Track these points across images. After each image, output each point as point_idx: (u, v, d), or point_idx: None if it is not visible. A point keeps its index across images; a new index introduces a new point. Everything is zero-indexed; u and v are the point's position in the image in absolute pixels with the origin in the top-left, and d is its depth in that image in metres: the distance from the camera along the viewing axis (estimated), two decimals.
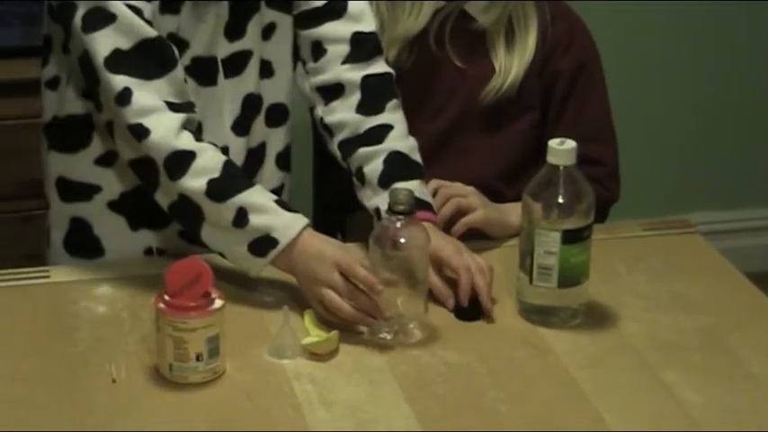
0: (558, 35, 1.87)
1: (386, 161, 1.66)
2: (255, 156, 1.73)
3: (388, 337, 1.51)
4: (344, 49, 1.72)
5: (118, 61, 1.54)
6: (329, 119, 1.73)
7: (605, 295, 1.62)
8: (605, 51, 1.93)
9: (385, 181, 1.65)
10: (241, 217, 1.54)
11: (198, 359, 1.43)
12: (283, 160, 1.78)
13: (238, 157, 1.68)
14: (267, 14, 1.70)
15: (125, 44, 1.54)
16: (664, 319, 1.58)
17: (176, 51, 1.58)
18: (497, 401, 1.40)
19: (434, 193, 1.72)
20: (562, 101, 1.88)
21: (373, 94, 1.72)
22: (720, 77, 3.07)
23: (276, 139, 1.76)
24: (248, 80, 1.70)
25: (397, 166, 1.66)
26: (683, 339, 1.54)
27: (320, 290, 1.52)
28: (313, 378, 1.44)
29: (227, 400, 1.41)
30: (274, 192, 1.73)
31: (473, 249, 1.65)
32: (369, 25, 1.74)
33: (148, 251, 1.72)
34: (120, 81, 1.54)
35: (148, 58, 1.55)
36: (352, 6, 1.73)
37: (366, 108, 1.70)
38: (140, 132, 1.54)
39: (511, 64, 1.84)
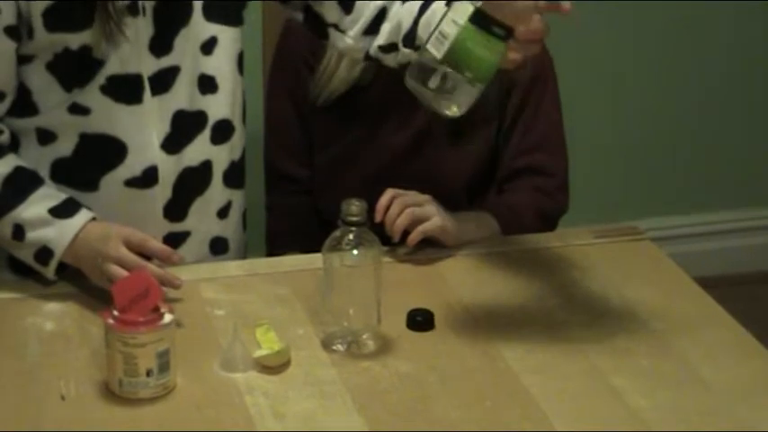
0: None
1: (447, 3, 1.53)
2: (200, 174, 1.72)
3: (342, 348, 1.51)
4: None
5: None
6: (384, 39, 1.66)
7: (557, 302, 1.64)
8: (554, 56, 1.94)
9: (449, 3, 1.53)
10: (18, 233, 1.63)
11: (148, 374, 1.42)
12: (231, 178, 1.77)
13: (170, 176, 1.68)
14: (207, 28, 1.68)
15: None
16: (614, 324, 1.59)
17: None
18: (449, 408, 1.40)
19: (390, 203, 1.72)
20: (516, 111, 1.89)
21: None
22: (664, 82, 3.10)
23: (221, 157, 1.75)
24: (179, 97, 1.68)
25: None
26: (632, 345, 1.54)
27: (107, 266, 1.57)
28: (265, 391, 1.44)
29: (179, 414, 1.41)
30: (222, 210, 1.75)
31: (429, 258, 1.66)
32: None
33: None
34: None
35: None
36: None
37: None
38: None
39: None
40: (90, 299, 1.61)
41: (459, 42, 1.40)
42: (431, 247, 1.74)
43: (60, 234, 1.60)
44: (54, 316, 1.60)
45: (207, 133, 1.71)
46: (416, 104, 1.87)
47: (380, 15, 1.68)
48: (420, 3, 1.62)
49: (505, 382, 1.46)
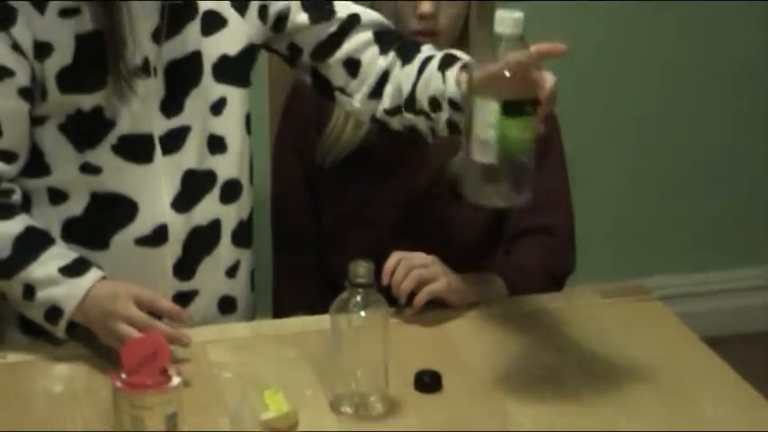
0: None
1: (440, 67, 1.64)
2: (208, 233, 1.74)
3: (350, 410, 1.51)
4: (374, 48, 1.75)
5: None
6: (389, 103, 1.73)
7: (565, 362, 1.64)
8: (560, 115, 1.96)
9: (444, 77, 1.61)
10: (28, 292, 1.64)
11: None
12: (239, 237, 1.79)
13: (180, 235, 1.69)
14: (216, 89, 1.71)
15: None
16: (623, 383, 1.60)
17: None
18: None
19: (396, 266, 1.73)
20: None
21: (408, 50, 1.73)
22: (671, 141, 3.11)
23: (230, 217, 1.77)
24: (189, 156, 1.70)
25: (448, 60, 1.64)
26: (643, 403, 1.55)
27: (117, 325, 1.58)
28: None
29: None
30: (231, 269, 1.76)
31: (436, 318, 1.67)
32: (378, 17, 1.77)
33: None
34: None
35: None
36: (361, 14, 1.76)
37: (408, 59, 1.71)
38: None
39: None
40: (100, 360, 1.61)
41: (504, 139, 1.44)
42: (438, 308, 1.75)
43: (70, 293, 1.61)
44: (63, 378, 1.60)
45: (216, 192, 1.73)
46: (421, 164, 1.91)
47: (383, 78, 1.73)
48: (417, 65, 1.68)
49: None
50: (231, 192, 1.76)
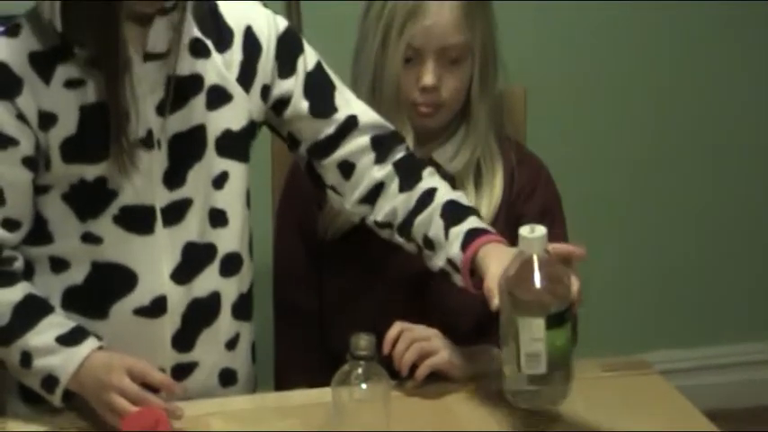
0: (523, 181, 1.94)
1: (442, 215, 1.72)
2: (208, 306, 1.75)
3: None
4: (371, 155, 1.78)
5: None
6: (381, 216, 1.79)
7: None
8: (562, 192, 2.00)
9: (447, 232, 1.70)
10: (26, 360, 1.67)
11: None
12: (239, 310, 1.80)
13: (179, 306, 1.71)
14: (218, 163, 1.73)
15: None
16: None
17: None
18: None
19: (398, 337, 1.75)
20: None
21: (409, 172, 1.78)
22: (669, 215, 3.12)
23: (230, 289, 1.78)
24: (190, 229, 1.72)
25: (453, 214, 1.72)
26: None
27: (110, 397, 1.60)
28: None
29: None
30: (231, 342, 1.78)
31: (437, 392, 1.70)
32: (377, 119, 1.81)
33: None
34: None
35: None
36: (360, 115, 1.79)
37: (407, 185, 1.77)
38: None
39: (480, 206, 1.88)
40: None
41: (552, 350, 1.57)
42: (439, 381, 1.76)
43: (65, 362, 1.64)
44: None
45: (216, 265, 1.75)
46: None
47: (378, 189, 1.78)
48: (417, 196, 1.76)
49: None
50: (231, 265, 1.77)
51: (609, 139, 3.02)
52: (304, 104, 1.76)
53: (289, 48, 1.77)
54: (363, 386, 1.51)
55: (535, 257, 1.55)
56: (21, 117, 1.63)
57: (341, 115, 1.77)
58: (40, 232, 1.70)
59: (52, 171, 1.66)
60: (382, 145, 1.79)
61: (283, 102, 1.76)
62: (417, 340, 1.74)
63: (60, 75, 1.64)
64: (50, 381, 1.65)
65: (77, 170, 1.66)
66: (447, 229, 1.71)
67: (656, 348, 2.90)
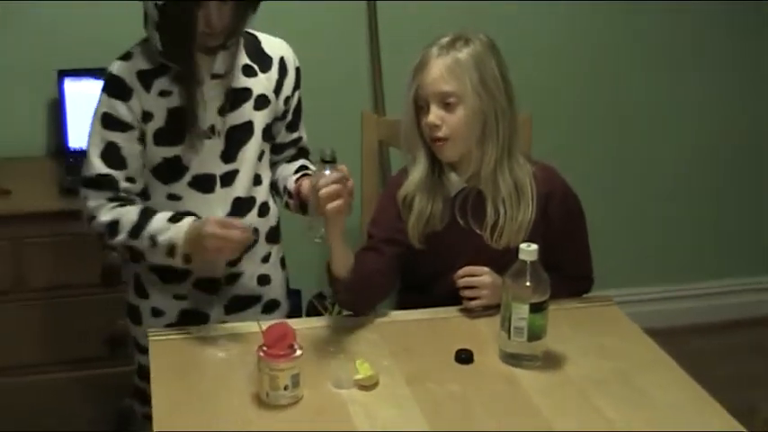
0: (549, 193, 2.19)
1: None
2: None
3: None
4: (292, 154, 2.35)
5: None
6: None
7: (556, 347, 2.04)
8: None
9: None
10: (152, 241, 2.09)
11: (285, 389, 1.82)
12: (270, 237, 2.33)
13: None
14: (261, 145, 2.28)
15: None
16: (593, 363, 1.99)
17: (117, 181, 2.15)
18: (484, 417, 1.84)
19: (465, 274, 2.13)
20: (559, 237, 2.23)
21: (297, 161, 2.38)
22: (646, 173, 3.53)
23: (263, 224, 2.31)
24: (238, 189, 2.23)
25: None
26: (606, 376, 1.95)
27: (205, 241, 2.00)
28: (362, 402, 1.84)
29: (305, 416, 1.80)
30: (265, 257, 2.33)
31: (473, 316, 2.08)
32: (306, 143, 2.35)
33: (185, 313, 2.28)
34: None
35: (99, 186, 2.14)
36: (303, 137, 2.36)
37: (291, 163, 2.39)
38: (89, 221, 2.16)
39: (516, 216, 2.17)
40: (247, 338, 2.02)
41: (532, 327, 1.96)
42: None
43: (177, 232, 2.08)
44: (225, 349, 2.03)
45: (255, 210, 2.26)
46: (482, 250, 2.22)
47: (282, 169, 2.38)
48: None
49: (522, 402, 1.87)
50: (264, 208, 2.28)
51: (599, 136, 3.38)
52: (289, 117, 2.31)
53: (299, 77, 2.29)
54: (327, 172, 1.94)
55: (528, 264, 1.93)
56: (133, 112, 2.11)
57: (298, 134, 2.33)
58: (142, 193, 2.20)
59: (147, 151, 2.14)
60: (299, 154, 2.35)
61: (287, 110, 2.30)
62: (471, 274, 2.13)
63: (156, 86, 2.14)
64: (172, 248, 2.08)
65: (161, 150, 2.14)
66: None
67: (615, 286, 3.20)
